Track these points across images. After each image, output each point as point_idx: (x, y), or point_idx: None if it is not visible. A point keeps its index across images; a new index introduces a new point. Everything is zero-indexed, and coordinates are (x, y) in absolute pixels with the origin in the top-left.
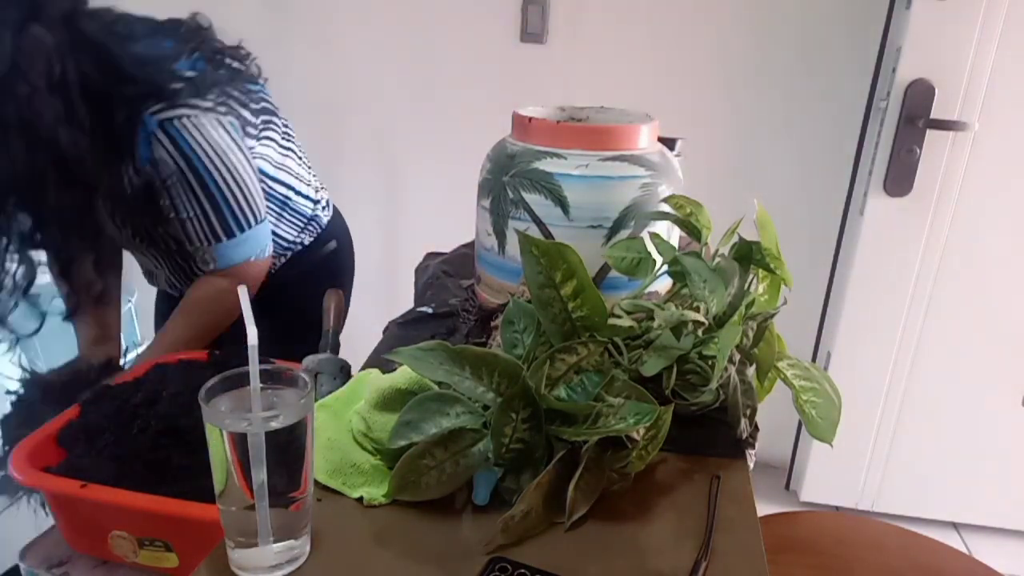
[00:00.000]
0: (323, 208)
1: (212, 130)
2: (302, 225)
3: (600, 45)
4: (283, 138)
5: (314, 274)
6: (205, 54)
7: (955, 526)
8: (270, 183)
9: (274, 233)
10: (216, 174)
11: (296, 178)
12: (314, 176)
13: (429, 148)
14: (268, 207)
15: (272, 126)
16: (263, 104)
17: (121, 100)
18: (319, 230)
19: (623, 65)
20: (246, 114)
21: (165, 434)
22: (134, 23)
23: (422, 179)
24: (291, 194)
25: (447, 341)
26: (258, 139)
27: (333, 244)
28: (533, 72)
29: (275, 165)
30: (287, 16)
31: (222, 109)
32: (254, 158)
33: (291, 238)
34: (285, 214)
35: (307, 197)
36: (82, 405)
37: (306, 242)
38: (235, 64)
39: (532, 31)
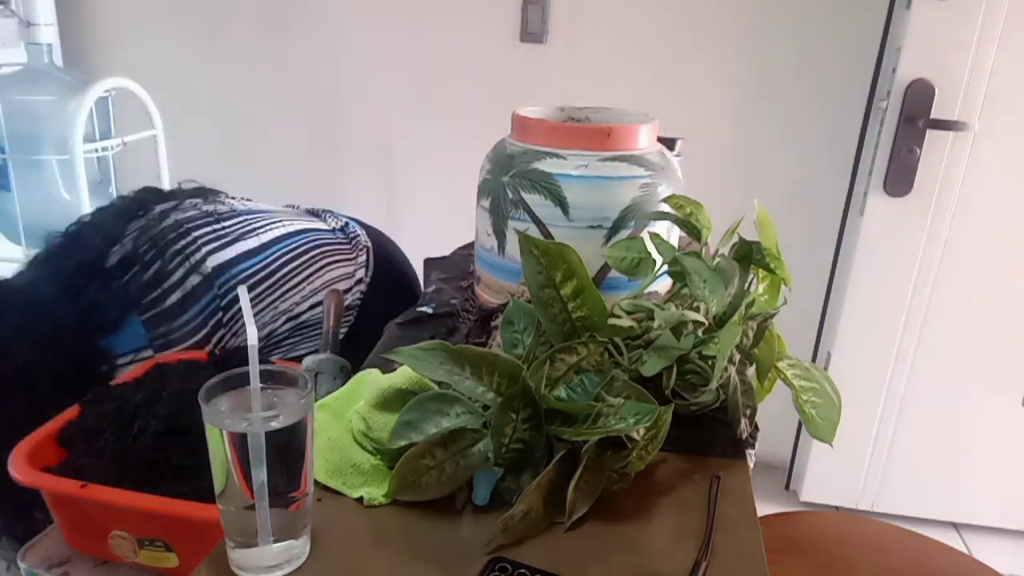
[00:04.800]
0: (352, 288)
1: None
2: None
3: (600, 45)
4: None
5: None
6: None
7: (955, 526)
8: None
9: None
10: None
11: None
12: (347, 253)
13: (429, 148)
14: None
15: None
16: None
17: None
18: (351, 312)
19: (623, 65)
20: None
21: (165, 434)
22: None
23: (422, 179)
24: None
25: (447, 341)
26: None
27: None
28: (533, 72)
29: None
30: (287, 16)
31: None
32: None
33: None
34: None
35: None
36: (82, 405)
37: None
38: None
39: (532, 31)
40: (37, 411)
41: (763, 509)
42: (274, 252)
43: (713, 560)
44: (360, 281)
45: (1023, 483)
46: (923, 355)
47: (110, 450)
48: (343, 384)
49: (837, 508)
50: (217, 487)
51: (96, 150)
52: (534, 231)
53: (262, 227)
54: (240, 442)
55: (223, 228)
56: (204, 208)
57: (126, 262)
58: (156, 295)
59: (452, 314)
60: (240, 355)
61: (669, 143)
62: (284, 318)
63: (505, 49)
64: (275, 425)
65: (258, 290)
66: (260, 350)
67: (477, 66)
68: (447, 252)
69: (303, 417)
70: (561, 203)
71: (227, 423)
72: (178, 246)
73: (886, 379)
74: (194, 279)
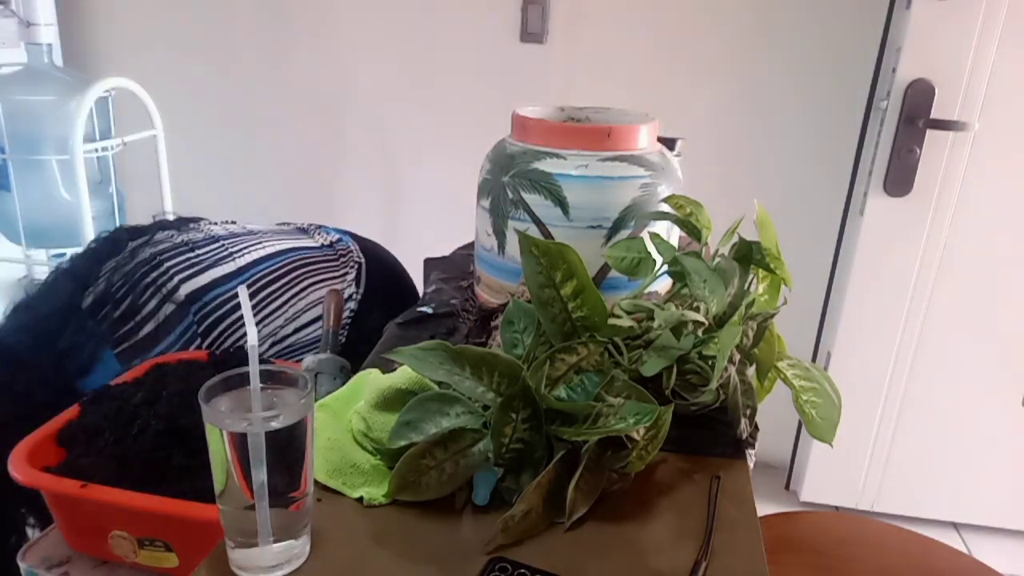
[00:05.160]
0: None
1: None
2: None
3: (600, 45)
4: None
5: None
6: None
7: (955, 526)
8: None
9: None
10: None
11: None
12: (336, 270)
13: (429, 148)
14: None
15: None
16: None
17: None
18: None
19: (623, 65)
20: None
21: (165, 434)
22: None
23: (422, 179)
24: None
25: (447, 341)
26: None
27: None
28: (533, 72)
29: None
30: (287, 16)
31: None
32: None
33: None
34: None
35: (319, 318)
36: (82, 405)
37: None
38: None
39: (532, 31)
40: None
41: (763, 509)
42: (252, 275)
43: (713, 560)
44: (350, 298)
45: (1023, 483)
46: (923, 355)
47: (110, 450)
48: (343, 384)
49: (837, 508)
50: (217, 487)
51: (96, 150)
52: (534, 231)
53: (239, 251)
54: (240, 442)
55: (196, 256)
56: (178, 239)
57: (99, 302)
58: (129, 327)
59: (452, 314)
60: (240, 355)
61: (669, 143)
62: (268, 342)
63: (505, 49)
64: (275, 425)
65: (236, 315)
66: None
67: (477, 66)
68: (447, 252)
69: (303, 417)
70: (561, 203)
71: (227, 423)
72: (150, 278)
73: (886, 379)
74: (168, 308)
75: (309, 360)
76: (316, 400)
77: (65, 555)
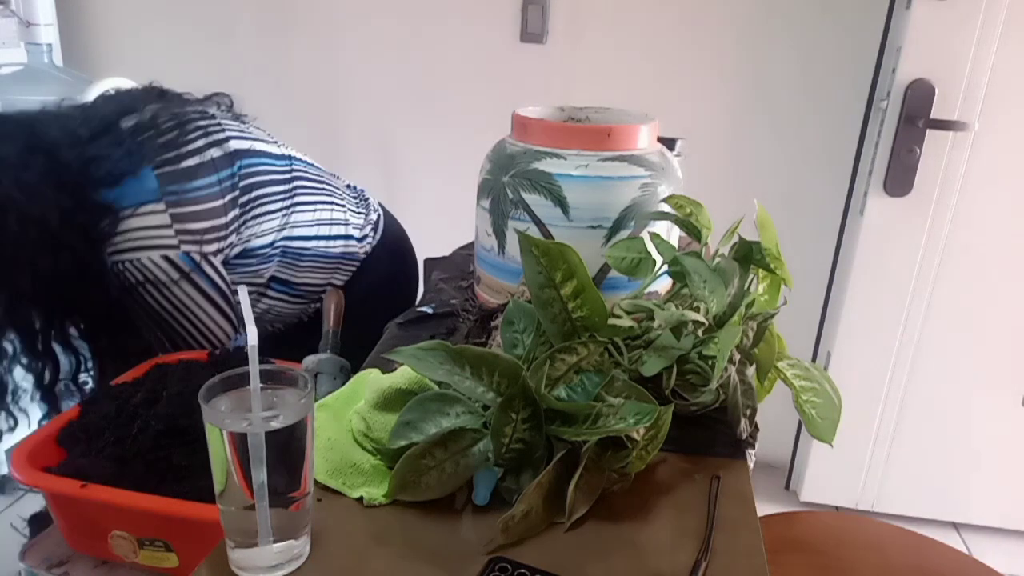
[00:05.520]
0: (361, 239)
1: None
2: (330, 267)
3: (600, 45)
4: (312, 191)
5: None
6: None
7: (955, 526)
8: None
9: (292, 283)
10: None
11: (328, 225)
12: (357, 207)
13: (429, 148)
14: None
15: (291, 194)
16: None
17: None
18: (355, 264)
19: (623, 65)
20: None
21: (165, 434)
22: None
23: (422, 179)
24: (317, 244)
25: (447, 341)
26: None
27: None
28: (533, 72)
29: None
30: (287, 16)
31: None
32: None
33: (316, 281)
34: (303, 262)
35: (340, 237)
36: (82, 405)
37: (337, 281)
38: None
39: (532, 31)
40: (15, 259)
41: (763, 509)
42: (293, 164)
43: (713, 560)
44: (368, 237)
45: (1023, 483)
46: (923, 355)
47: (110, 450)
48: (343, 384)
49: (837, 508)
50: (217, 487)
51: None
52: (534, 231)
53: (281, 144)
54: (240, 442)
55: (247, 127)
56: (228, 113)
57: (142, 126)
58: (171, 156)
59: (452, 314)
60: (240, 355)
61: (669, 143)
62: (295, 233)
63: (505, 49)
64: (275, 425)
65: (274, 188)
66: (268, 258)
67: (477, 66)
68: (447, 252)
69: (303, 417)
70: (561, 203)
71: (227, 423)
72: (200, 123)
73: (886, 379)
74: (214, 151)
75: (309, 360)
76: (316, 400)
77: (65, 555)
